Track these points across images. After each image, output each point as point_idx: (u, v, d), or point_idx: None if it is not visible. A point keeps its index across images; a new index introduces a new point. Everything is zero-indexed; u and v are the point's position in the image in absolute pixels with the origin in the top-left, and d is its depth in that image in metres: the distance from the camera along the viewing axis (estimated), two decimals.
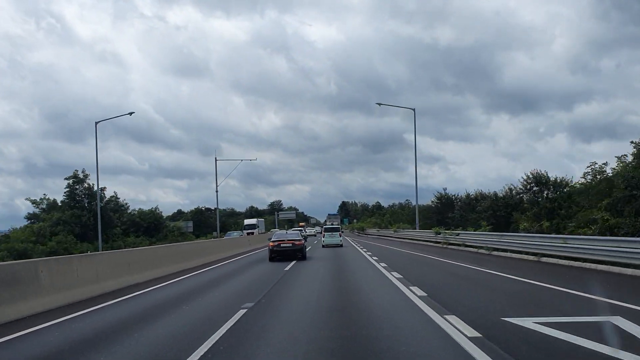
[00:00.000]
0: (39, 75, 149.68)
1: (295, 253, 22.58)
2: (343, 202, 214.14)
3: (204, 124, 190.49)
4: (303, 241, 23.93)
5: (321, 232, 41.81)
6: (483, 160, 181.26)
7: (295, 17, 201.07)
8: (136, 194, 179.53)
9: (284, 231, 30.50)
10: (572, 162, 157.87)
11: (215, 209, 71.35)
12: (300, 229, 69.57)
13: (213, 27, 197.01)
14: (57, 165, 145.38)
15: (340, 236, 37.39)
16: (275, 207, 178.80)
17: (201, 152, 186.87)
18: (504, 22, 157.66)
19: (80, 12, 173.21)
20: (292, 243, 22.75)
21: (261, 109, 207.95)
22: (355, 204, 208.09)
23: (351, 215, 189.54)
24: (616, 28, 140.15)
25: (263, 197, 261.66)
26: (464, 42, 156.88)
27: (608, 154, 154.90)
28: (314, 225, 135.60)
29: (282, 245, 22.57)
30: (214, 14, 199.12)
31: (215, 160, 67.99)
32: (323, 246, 35.58)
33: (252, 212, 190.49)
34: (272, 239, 23.47)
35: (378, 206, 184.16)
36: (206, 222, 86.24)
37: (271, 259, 22.40)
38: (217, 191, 67.99)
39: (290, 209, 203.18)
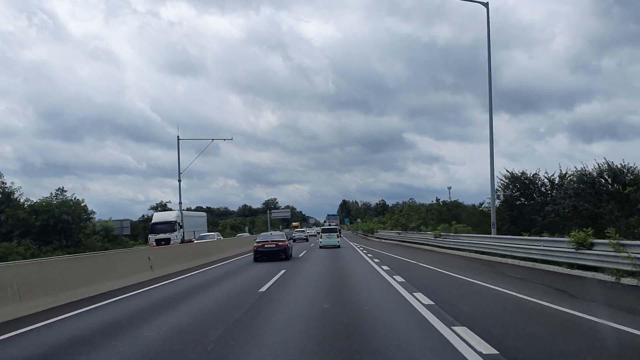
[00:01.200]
0: (32, 73, 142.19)
1: (279, 254, 22.34)
2: (343, 200, 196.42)
3: (200, 123, 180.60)
4: (287, 242, 23.46)
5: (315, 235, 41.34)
6: (483, 160, 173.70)
7: (291, 14, 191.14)
8: (134, 194, 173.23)
9: (269, 233, 29.83)
10: (572, 162, 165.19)
11: (181, 206, 52.02)
12: (302, 229, 67.94)
13: (207, 24, 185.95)
14: (53, 165, 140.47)
15: (338, 237, 36.03)
16: (270, 206, 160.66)
17: (198, 151, 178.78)
18: (503, 20, 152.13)
19: (72, 8, 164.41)
20: (275, 244, 22.57)
21: (258, 107, 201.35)
22: (356, 203, 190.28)
23: (352, 214, 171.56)
24: (617, 26, 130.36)
25: (262, 197, 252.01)
26: (462, 40, 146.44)
27: (609, 155, 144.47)
28: (312, 225, 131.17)
29: (266, 246, 22.44)
30: (208, 10, 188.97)
31: (178, 139, 49.66)
32: (320, 247, 34.51)
33: (245, 211, 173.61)
34: (257, 240, 23.42)
35: (382, 204, 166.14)
36: None
37: (256, 260, 22.18)
38: (179, 180, 49.58)
39: (288, 207, 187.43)
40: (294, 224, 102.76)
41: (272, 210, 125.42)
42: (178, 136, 50.15)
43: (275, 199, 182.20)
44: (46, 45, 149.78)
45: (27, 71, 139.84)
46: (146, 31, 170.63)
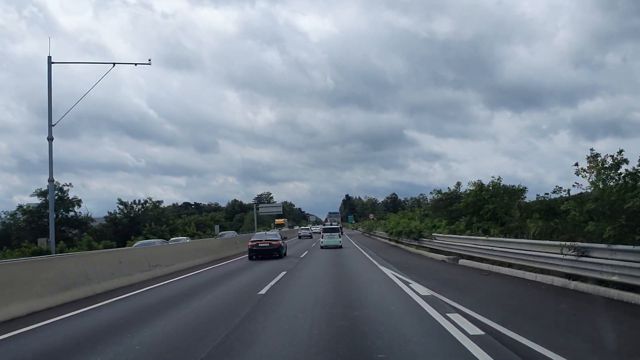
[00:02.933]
0: (25, 68, 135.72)
1: (272, 252, 22.72)
2: (347, 195, 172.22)
3: (198, 119, 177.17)
4: (280, 241, 23.54)
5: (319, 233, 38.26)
6: (484, 157, 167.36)
7: (286, 7, 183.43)
8: (134, 192, 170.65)
9: (263, 232, 29.84)
10: (574, 160, 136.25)
11: (49, 184, 27.00)
12: (307, 227, 65.78)
13: (201, 17, 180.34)
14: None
15: (340, 237, 31.91)
16: (263, 201, 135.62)
17: (197, 148, 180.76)
18: (505, 12, 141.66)
19: (61, 0, 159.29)
20: (269, 243, 23.00)
21: (256, 103, 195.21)
22: (360, 198, 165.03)
23: (357, 211, 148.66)
24: (622, 19, 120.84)
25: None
26: (462, 35, 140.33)
27: (612, 152, 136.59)
28: (313, 223, 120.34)
29: (260, 245, 22.92)
30: (201, 2, 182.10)
31: (49, 62, 26.45)
32: (321, 247, 31.18)
33: (235, 207, 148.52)
34: (252, 239, 23.76)
35: (393, 199, 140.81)
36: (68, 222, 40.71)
37: (250, 258, 22.70)
38: (50, 139, 25.72)
39: (286, 202, 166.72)
40: (278, 221, 77.39)
41: (260, 205, 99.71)
42: (50, 57, 25.98)
43: (270, 194, 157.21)
44: (37, 39, 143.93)
45: (19, 66, 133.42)
46: (139, 24, 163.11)
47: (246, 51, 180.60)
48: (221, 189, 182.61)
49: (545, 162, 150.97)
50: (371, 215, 62.61)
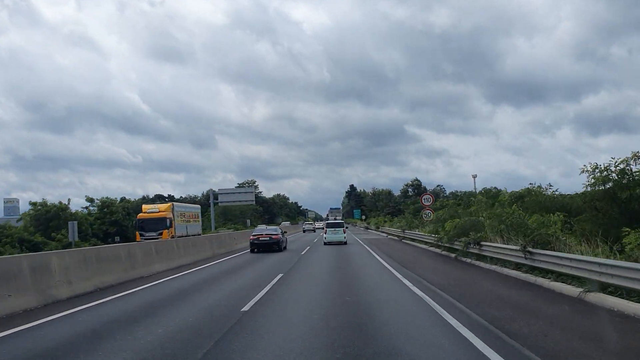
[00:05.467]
0: (9, 60, 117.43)
1: (272, 246, 23.72)
2: (351, 186, 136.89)
3: (193, 114, 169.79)
4: (280, 235, 24.68)
5: (322, 228, 37.92)
6: (486, 154, 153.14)
7: None
8: (133, 189, 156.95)
9: (264, 226, 30.82)
10: (576, 157, 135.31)
11: None
12: (311, 222, 75.10)
13: (187, 5, 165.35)
14: (46, 158, 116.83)
15: (344, 232, 30.58)
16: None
17: (194, 144, 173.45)
18: (505, 4, 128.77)
19: None
20: (269, 237, 23.94)
21: (251, 98, 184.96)
22: (366, 192, 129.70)
23: (367, 204, 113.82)
24: (627, 10, 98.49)
25: (262, 192, 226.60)
26: (462, 27, 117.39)
27: (616, 149, 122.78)
28: (313, 219, 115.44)
29: (260, 238, 23.82)
30: None
31: None
32: (325, 243, 29.39)
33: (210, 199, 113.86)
34: (253, 233, 24.72)
35: (416, 186, 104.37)
36: None
37: (252, 251, 23.68)
38: None
39: (281, 197, 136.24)
40: (146, 209, 41.70)
41: (220, 193, 64.45)
42: None
43: (254, 181, 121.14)
44: (21, 30, 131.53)
45: (2, 58, 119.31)
46: (126, 13, 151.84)
47: (238, 43, 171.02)
48: (221, 186, 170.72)
49: (548, 158, 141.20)
50: (428, 198, 26.71)
